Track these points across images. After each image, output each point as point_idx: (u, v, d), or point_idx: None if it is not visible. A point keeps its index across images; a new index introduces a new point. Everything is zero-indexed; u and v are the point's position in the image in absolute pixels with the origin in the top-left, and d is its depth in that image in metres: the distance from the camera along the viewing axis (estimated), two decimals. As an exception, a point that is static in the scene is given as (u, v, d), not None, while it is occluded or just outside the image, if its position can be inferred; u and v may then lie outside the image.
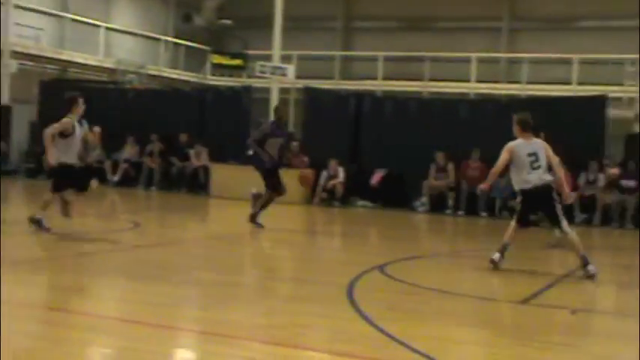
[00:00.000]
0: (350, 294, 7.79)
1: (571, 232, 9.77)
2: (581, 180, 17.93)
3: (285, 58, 24.78)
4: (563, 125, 18.18)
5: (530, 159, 9.76)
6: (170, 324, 6.38)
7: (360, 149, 20.91)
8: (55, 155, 10.81)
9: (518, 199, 9.90)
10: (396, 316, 7.05)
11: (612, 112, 19.23)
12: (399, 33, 31.18)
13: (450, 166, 19.01)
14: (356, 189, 20.05)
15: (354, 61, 31.95)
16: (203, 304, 7.41)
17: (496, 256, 9.78)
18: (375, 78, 28.39)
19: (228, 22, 31.25)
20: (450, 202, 19.04)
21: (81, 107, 11.05)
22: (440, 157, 18.98)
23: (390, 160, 19.63)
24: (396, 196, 19.49)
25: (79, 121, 11.09)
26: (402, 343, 5.90)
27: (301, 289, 8.64)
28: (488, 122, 19.13)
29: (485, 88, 27.00)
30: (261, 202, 13.11)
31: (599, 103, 18.73)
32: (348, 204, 19.78)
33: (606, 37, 28.19)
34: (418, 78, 28.03)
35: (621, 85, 22.19)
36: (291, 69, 23.44)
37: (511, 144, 9.96)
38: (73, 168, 11.00)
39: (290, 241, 13.25)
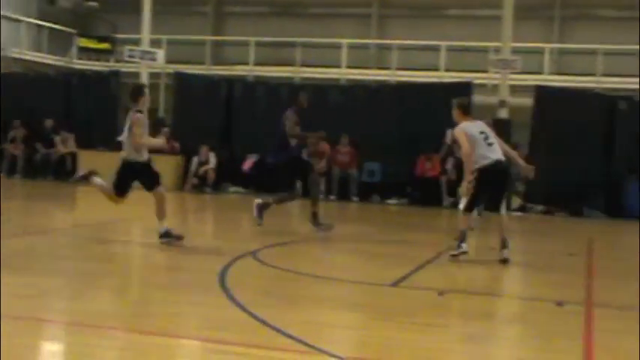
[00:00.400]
0: (222, 281, 7.72)
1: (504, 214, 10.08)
2: (448, 165, 18.41)
3: (155, 43, 24.31)
4: (432, 110, 18.66)
5: (482, 136, 9.89)
6: (39, 316, 6.15)
7: (232, 135, 20.79)
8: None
9: (473, 178, 9.81)
10: (269, 302, 7.03)
11: (477, 98, 19.77)
12: (271, 18, 31.09)
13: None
14: (228, 175, 19.93)
15: (225, 46, 31.67)
16: (72, 295, 7.19)
17: (464, 246, 9.88)
18: (246, 63, 28.23)
19: (94, 4, 30.38)
20: (322, 187, 19.16)
21: (147, 98, 10.35)
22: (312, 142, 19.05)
23: (262, 145, 19.56)
24: (268, 182, 19.45)
25: None
26: (275, 329, 5.88)
27: (173, 277, 8.51)
28: (358, 108, 19.41)
29: (355, 74, 27.29)
30: (281, 199, 12.28)
31: (464, 89, 19.24)
32: (219, 190, 19.64)
33: (471, 26, 29.01)
34: (290, 63, 28.06)
35: (486, 72, 22.84)
36: (160, 53, 23.03)
37: (461, 126, 9.99)
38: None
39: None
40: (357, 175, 19.18)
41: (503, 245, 9.89)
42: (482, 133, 9.93)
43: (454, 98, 10.52)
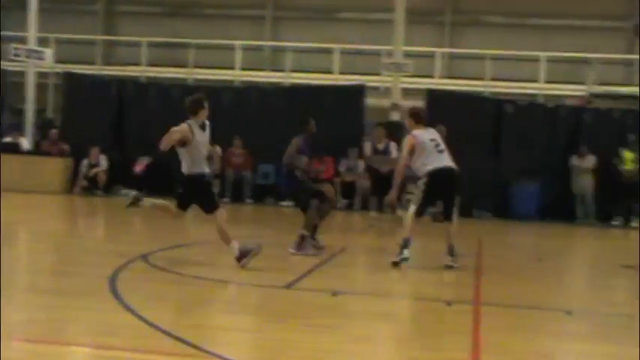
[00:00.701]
0: (113, 285, 7.56)
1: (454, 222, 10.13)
2: (342, 167, 18.57)
3: (43, 41, 23.63)
4: (325, 113, 18.76)
5: (433, 144, 9.98)
6: None
7: (124, 137, 20.41)
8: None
9: (422, 184, 9.88)
10: (160, 306, 6.93)
11: (370, 101, 20.03)
12: (164, 19, 30.67)
13: (216, 153, 18.99)
14: (119, 177, 19.55)
15: (116, 46, 31.05)
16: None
17: (405, 252, 9.76)
18: (138, 64, 27.77)
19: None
20: (216, 189, 19.02)
21: (206, 110, 9.76)
22: (205, 144, 18.92)
23: (155, 147, 19.27)
24: (161, 184, 19.17)
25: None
26: (166, 333, 5.80)
27: (61, 282, 8.28)
28: (251, 110, 19.36)
29: (249, 76, 27.22)
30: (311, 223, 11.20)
31: (357, 92, 19.46)
32: (111, 193, 19.25)
33: (364, 29, 29.36)
34: (183, 65, 27.75)
35: (379, 75, 23.13)
36: (48, 53, 22.38)
37: (413, 133, 10.08)
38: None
39: (49, 232, 12.67)
40: (251, 177, 19.13)
41: (450, 252, 9.99)
42: (432, 140, 10.06)
43: (410, 108, 10.94)
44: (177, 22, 30.01)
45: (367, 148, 15.93)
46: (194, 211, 9.63)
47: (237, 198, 18.77)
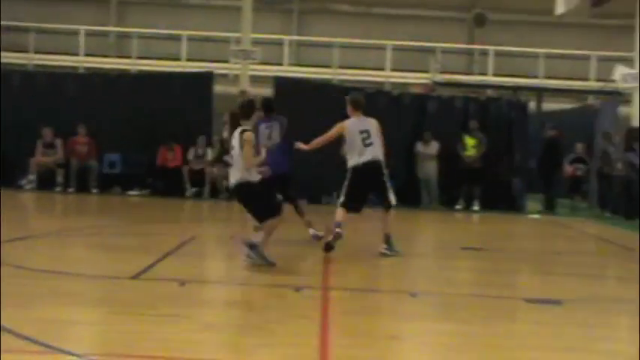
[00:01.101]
0: (-53, 281, 7.17)
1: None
2: (191, 154, 18.37)
3: None
4: (173, 100, 18.52)
5: (362, 136, 10.01)
6: None
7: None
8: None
9: (347, 178, 10.08)
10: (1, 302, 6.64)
11: (218, 88, 19.90)
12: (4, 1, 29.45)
13: (59, 142, 18.41)
14: None
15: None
16: None
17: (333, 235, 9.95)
18: (-26, 48, 26.52)
19: None
20: (60, 179, 18.45)
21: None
22: (47, 133, 18.28)
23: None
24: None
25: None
26: (7, 330, 5.56)
27: None
28: (96, 97, 18.83)
29: (94, 62, 26.51)
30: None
31: (205, 79, 19.27)
32: None
33: (213, 16, 29.16)
34: (22, 49, 26.70)
35: (227, 62, 23.00)
36: None
37: (344, 122, 10.19)
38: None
39: None
40: (96, 166, 18.62)
41: (386, 241, 10.26)
42: (363, 132, 10.07)
43: (346, 95, 10.91)
44: (16, 5, 28.74)
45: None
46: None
47: (82, 188, 18.23)
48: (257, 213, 9.14)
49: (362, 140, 10.10)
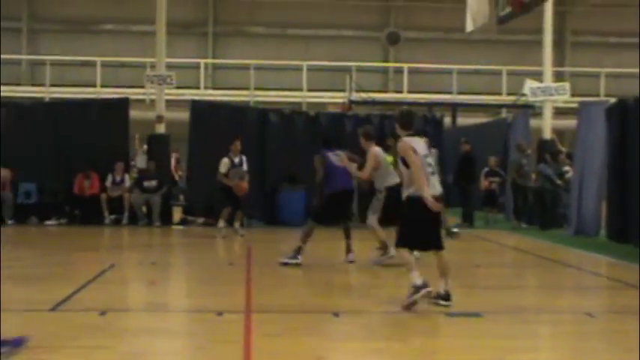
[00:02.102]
0: None
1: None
2: (108, 181, 18.09)
3: None
4: (88, 127, 18.21)
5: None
6: None
7: None
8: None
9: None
10: None
11: (135, 114, 19.65)
12: None
13: None
14: None
15: None
16: None
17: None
18: None
19: None
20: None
21: None
22: None
23: None
24: None
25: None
26: None
27: None
28: (10, 126, 18.42)
29: (7, 91, 25.88)
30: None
31: (121, 104, 19.02)
32: None
33: (127, 41, 28.90)
34: None
35: (143, 87, 22.76)
36: None
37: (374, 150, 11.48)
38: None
39: None
40: (11, 196, 18.15)
41: (385, 249, 11.44)
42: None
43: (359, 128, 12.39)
44: None
45: (224, 163, 15.50)
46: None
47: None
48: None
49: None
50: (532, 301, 9.50)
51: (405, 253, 8.29)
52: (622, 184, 14.76)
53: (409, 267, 8.19)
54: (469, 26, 12.96)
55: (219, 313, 7.71)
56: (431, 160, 8.40)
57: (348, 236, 11.94)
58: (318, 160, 11.77)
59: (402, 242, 8.31)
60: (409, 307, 7.96)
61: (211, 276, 10.55)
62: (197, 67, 28.38)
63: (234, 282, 9.93)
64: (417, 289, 7.99)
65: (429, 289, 8.01)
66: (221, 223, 15.34)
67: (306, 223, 11.74)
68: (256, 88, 27.66)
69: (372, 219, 11.58)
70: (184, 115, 19.20)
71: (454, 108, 25.04)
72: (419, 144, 8.36)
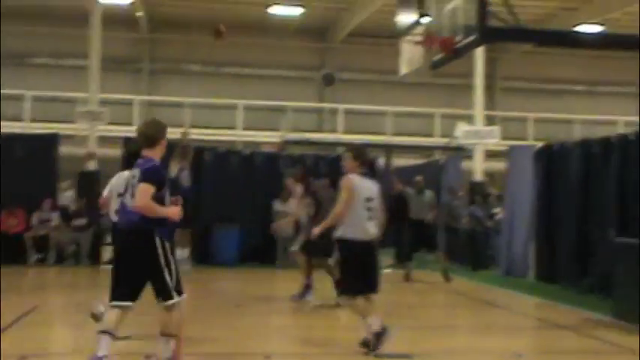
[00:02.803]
0: None
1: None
2: (35, 219, 17.64)
3: None
4: (16, 163, 17.78)
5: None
6: None
7: None
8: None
9: None
10: None
11: (65, 150, 19.29)
12: None
13: None
14: None
15: None
16: None
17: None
18: None
19: None
20: None
21: None
22: None
23: None
24: None
25: None
26: None
27: None
28: None
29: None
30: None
31: (50, 140, 18.66)
32: None
33: (59, 75, 28.53)
34: None
35: (72, 123, 22.40)
36: None
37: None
38: None
39: None
40: None
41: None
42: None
43: None
44: None
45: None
46: None
47: None
48: None
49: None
50: (462, 341, 9.52)
51: (352, 300, 8.11)
52: (549, 226, 15.03)
53: (364, 313, 8.02)
54: (403, 69, 13.11)
55: (148, 357, 7.51)
56: (374, 204, 8.22)
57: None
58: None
59: (346, 290, 8.12)
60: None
61: (144, 317, 10.31)
62: (131, 103, 28.13)
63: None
64: (377, 336, 7.82)
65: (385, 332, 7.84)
66: None
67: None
68: (191, 126, 27.49)
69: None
70: (116, 152, 18.95)
71: (388, 149, 25.24)
72: (364, 185, 8.21)
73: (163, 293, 6.66)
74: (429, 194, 16.09)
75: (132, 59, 30.23)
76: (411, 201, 16.04)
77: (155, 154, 6.90)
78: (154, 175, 6.70)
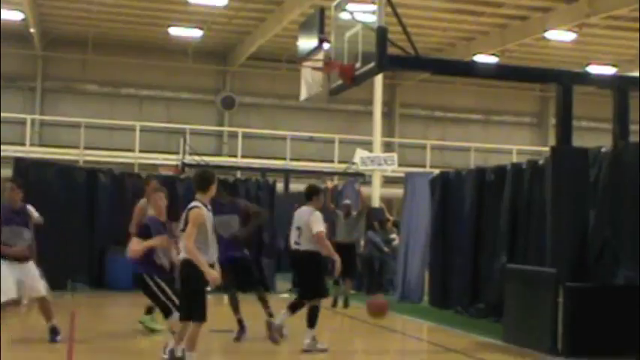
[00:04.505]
0: None
1: None
2: None
3: None
4: None
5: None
6: None
7: None
8: None
9: None
10: None
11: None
12: None
13: None
14: None
15: None
16: None
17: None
18: None
19: None
20: None
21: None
22: None
23: None
24: None
25: None
26: None
27: None
28: None
29: None
30: None
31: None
32: None
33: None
34: None
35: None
36: None
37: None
38: None
39: None
40: None
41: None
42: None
43: None
44: None
45: None
46: None
47: None
48: None
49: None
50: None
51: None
52: (443, 252, 15.35)
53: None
54: (303, 94, 13.20)
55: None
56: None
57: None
58: None
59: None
60: None
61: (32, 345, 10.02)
62: (23, 122, 27.42)
63: (56, 348, 9.45)
64: None
65: None
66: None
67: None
68: (86, 147, 26.98)
69: None
70: (6, 173, 18.42)
71: (287, 174, 25.33)
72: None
73: None
74: (353, 218, 16.12)
75: (25, 77, 29.46)
76: (338, 223, 16.02)
77: None
78: None
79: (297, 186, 25.82)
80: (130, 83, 30.37)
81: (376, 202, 21.64)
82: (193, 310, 7.84)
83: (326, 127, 30.43)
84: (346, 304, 15.41)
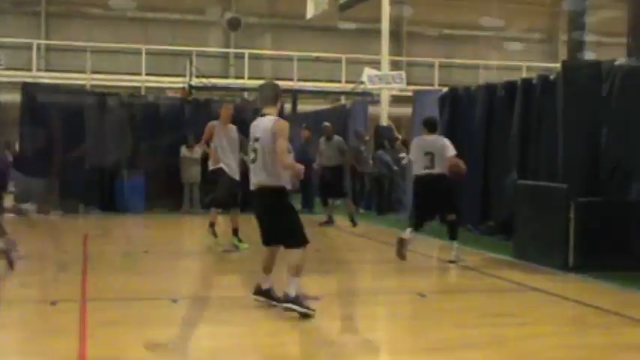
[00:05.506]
0: None
1: None
2: None
3: None
4: None
5: None
6: None
7: None
8: None
9: None
10: None
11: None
12: None
13: None
14: None
15: None
16: None
17: None
18: None
19: None
20: None
21: None
22: None
23: None
24: None
25: None
26: None
27: None
28: None
29: None
30: None
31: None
32: None
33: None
34: None
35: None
36: None
37: None
38: None
39: None
40: None
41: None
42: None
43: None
44: None
45: None
46: None
47: None
48: None
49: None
50: (368, 282, 9.68)
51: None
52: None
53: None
54: (310, 12, 13.01)
55: (53, 303, 7.41)
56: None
57: None
58: None
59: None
60: None
61: (46, 265, 10.13)
62: (29, 47, 27.21)
63: (69, 271, 9.56)
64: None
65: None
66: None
67: None
68: (93, 72, 26.84)
69: None
70: (15, 98, 18.37)
71: (294, 95, 25.20)
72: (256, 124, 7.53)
73: None
74: (337, 140, 16.11)
75: (29, 1, 29.13)
76: (320, 147, 16.06)
77: None
78: None
79: (305, 107, 25.77)
80: (136, 6, 30.03)
81: (384, 121, 21.54)
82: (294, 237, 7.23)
83: (333, 47, 30.13)
84: (354, 223, 15.44)
